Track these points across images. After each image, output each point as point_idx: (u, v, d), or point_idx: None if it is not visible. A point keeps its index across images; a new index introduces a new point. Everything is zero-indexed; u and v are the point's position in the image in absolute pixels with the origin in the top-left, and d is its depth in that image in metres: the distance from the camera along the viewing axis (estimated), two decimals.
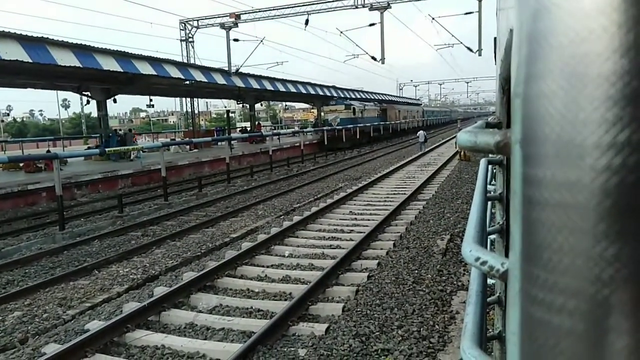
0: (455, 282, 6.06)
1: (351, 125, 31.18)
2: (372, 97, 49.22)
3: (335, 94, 38.82)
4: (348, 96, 41.28)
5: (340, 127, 30.65)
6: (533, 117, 0.28)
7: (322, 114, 37.82)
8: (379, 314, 5.10)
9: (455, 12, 28.38)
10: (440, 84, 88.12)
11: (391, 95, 62.84)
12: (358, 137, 32.12)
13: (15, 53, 13.52)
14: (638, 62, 0.23)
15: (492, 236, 1.94)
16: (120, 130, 29.52)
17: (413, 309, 5.22)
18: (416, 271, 6.42)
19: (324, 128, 30.57)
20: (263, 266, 6.97)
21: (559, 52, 0.26)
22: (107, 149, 14.49)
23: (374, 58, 27.17)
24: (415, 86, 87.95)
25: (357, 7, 26.40)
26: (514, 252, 0.33)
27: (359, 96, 44.71)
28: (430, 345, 4.45)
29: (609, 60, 0.24)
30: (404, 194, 12.02)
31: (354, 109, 34.15)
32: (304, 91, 33.30)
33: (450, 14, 28.10)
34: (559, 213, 0.27)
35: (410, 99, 75.69)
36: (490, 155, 1.80)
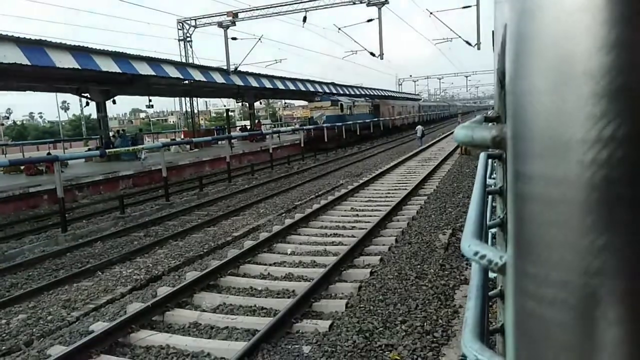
0: (458, 277, 6.07)
1: (338, 124, 28.70)
2: (370, 93, 48.94)
3: (334, 91, 38.78)
4: (347, 92, 40.86)
5: (326, 125, 27.67)
6: (522, 114, 0.29)
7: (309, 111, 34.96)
8: (382, 310, 5.11)
9: (453, 6, 28.27)
10: (440, 79, 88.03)
11: (389, 91, 62.61)
12: (344, 136, 29.54)
13: (14, 56, 13.53)
14: (621, 59, 0.24)
15: (493, 230, 1.94)
16: (122, 130, 29.57)
17: (416, 304, 5.23)
18: (419, 266, 6.42)
19: (302, 127, 27.74)
20: (265, 264, 6.98)
21: (545, 50, 0.27)
22: (107, 150, 14.50)
23: (372, 54, 27.12)
24: (415, 81, 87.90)
25: (354, 3, 26.34)
26: (510, 246, 0.33)
27: (357, 92, 44.51)
28: (434, 339, 4.46)
29: (593, 58, 0.24)
30: (405, 189, 12.02)
31: (341, 105, 31.13)
32: (302, 88, 33.31)
33: (448, 8, 27.87)
34: (548, 208, 0.28)
35: (408, 94, 75.50)
36: (489, 149, 1.80)
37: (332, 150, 27.13)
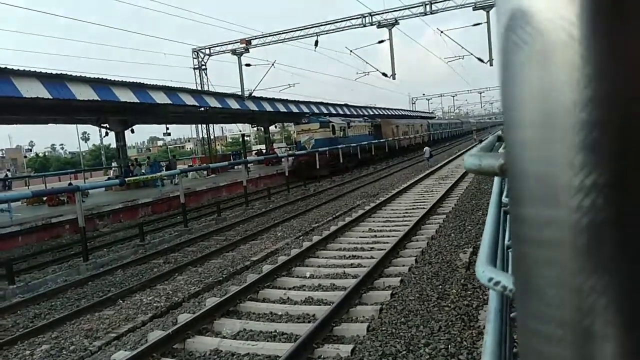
0: (481, 296, 5.93)
1: (327, 148, 25.11)
2: (379, 113, 48.52)
3: (348, 112, 39.04)
4: (359, 113, 40.64)
5: (308, 151, 24.63)
6: (516, 162, 0.31)
7: (295, 135, 31.44)
8: (404, 332, 5.02)
9: (463, 24, 28.42)
10: (453, 96, 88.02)
11: (402, 110, 62.61)
12: (342, 160, 26.69)
13: (36, 90, 13.99)
14: (596, 115, 0.26)
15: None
16: (136, 159, 30.35)
17: (439, 325, 5.12)
18: (440, 286, 6.31)
19: (275, 156, 25.55)
20: (285, 288, 6.94)
21: (531, 106, 0.29)
22: (126, 179, 14.75)
23: (384, 74, 27.30)
24: (428, 99, 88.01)
25: (365, 26, 26.69)
26: (514, 283, 0.34)
27: (368, 113, 44.38)
28: None
29: (572, 114, 0.27)
30: (423, 208, 11.92)
31: (333, 126, 27.76)
32: (316, 111, 33.58)
33: (458, 27, 27.96)
34: (542, 249, 0.29)
35: (421, 112, 75.41)
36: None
37: (325, 177, 24.21)
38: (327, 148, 24.98)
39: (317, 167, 23.43)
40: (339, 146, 26.70)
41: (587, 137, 0.26)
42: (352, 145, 28.69)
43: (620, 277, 0.27)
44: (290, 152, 28.09)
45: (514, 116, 0.31)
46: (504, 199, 1.95)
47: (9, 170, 45.90)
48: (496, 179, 1.85)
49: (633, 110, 0.26)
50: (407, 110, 67.40)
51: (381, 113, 48.42)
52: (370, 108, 47.96)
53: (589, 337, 0.27)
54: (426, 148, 26.29)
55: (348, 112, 39.13)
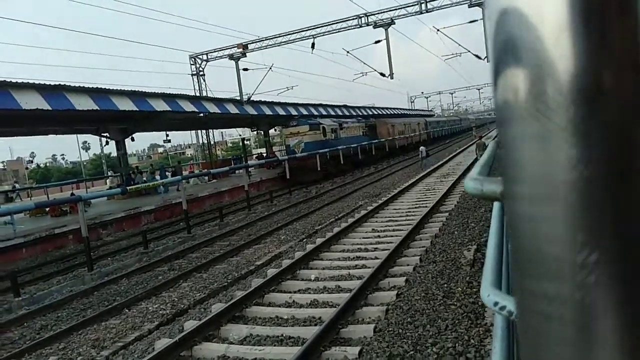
0: None
1: (319, 151, 24.38)
2: (384, 113, 48.68)
3: (347, 113, 39.05)
4: (354, 114, 40.48)
5: (302, 154, 24.04)
6: (515, 217, 0.32)
7: (284, 138, 30.13)
8: (411, 332, 5.01)
9: (459, 22, 28.39)
10: (452, 93, 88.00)
11: (400, 109, 62.58)
12: (337, 162, 25.97)
13: (35, 102, 14.03)
14: (584, 175, 0.27)
15: None
16: (136, 167, 30.57)
17: (446, 324, 5.11)
18: (445, 285, 6.30)
19: (275, 159, 24.74)
20: (290, 292, 6.93)
21: (528, 169, 0.30)
22: (128, 187, 14.77)
23: (382, 74, 27.34)
24: (427, 97, 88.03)
25: (361, 26, 26.76)
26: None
27: (368, 113, 44.43)
28: None
29: (565, 170, 0.27)
30: (426, 206, 11.91)
31: (323, 129, 26.98)
32: (315, 113, 33.61)
33: (455, 24, 27.97)
34: (546, 322, 0.30)
35: (420, 110, 75.38)
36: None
37: (316, 182, 23.41)
38: (317, 151, 24.13)
39: (305, 171, 22.48)
40: (332, 149, 25.88)
41: (579, 199, 0.27)
42: (345, 147, 27.66)
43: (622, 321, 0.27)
44: (282, 156, 27.27)
45: (511, 172, 0.32)
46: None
47: (16, 182, 47.01)
48: (495, 207, 1.83)
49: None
50: (405, 109, 67.23)
51: (381, 113, 48.28)
52: (370, 108, 47.97)
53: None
54: (422, 148, 25.38)
55: (347, 113, 39.13)
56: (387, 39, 26.27)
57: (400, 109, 63.51)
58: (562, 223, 0.28)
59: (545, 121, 0.28)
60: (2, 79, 13.57)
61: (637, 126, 0.27)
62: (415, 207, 12.42)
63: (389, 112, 51.80)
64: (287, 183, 22.29)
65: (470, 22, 26.17)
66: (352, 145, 28.99)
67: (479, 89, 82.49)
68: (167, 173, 27.52)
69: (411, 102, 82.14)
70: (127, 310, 7.25)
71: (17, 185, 39.91)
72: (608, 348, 0.27)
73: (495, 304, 0.63)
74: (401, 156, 35.95)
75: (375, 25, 26.28)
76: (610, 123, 0.27)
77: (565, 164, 0.27)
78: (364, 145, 30.79)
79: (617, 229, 0.27)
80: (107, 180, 37.47)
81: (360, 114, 41.83)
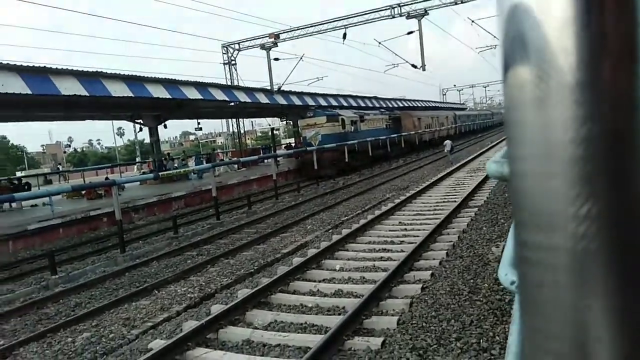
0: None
1: (336, 144, 22.87)
2: (413, 105, 47.90)
3: (376, 104, 38.72)
4: (384, 105, 39.87)
5: (317, 147, 22.37)
6: (520, 192, 0.34)
7: (299, 130, 28.16)
8: (435, 326, 4.99)
9: (494, 13, 27.57)
10: (485, 87, 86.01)
11: (432, 102, 61.57)
12: (346, 159, 23.61)
13: (74, 88, 14.48)
14: (590, 151, 0.29)
15: None
16: (168, 154, 31.33)
17: (471, 319, 5.06)
18: (472, 280, 6.23)
19: (303, 149, 22.69)
20: (315, 281, 6.99)
21: (533, 138, 0.32)
22: (160, 173, 15.12)
23: (414, 66, 26.96)
24: (459, 90, 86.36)
25: (394, 17, 26.39)
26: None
27: (398, 105, 43.93)
28: (492, 357, 4.30)
29: (568, 148, 0.30)
30: (454, 201, 11.75)
31: (342, 120, 25.51)
32: (345, 104, 33.49)
33: (489, 15, 27.28)
34: (543, 271, 0.32)
35: (452, 103, 74.00)
36: None
37: (330, 178, 22.01)
38: (335, 144, 22.78)
39: (315, 167, 20.91)
40: (350, 142, 24.18)
41: (582, 169, 0.30)
42: (366, 140, 26.04)
43: (615, 299, 0.30)
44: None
45: (517, 148, 0.33)
46: None
47: (60, 164, 49.58)
48: None
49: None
50: (436, 102, 66.02)
51: (409, 105, 47.57)
52: (400, 100, 47.42)
53: (585, 349, 0.30)
54: (447, 141, 24.42)
55: (377, 105, 38.79)
56: (420, 30, 25.85)
57: (431, 101, 62.22)
58: (558, 178, 0.30)
59: (548, 88, 0.30)
60: (43, 65, 14.06)
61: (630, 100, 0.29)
62: (444, 202, 12.28)
63: (417, 105, 50.97)
64: (294, 176, 21.96)
65: None
66: (372, 139, 27.25)
67: None
68: (201, 159, 28.14)
69: (443, 95, 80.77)
70: (156, 292, 7.47)
71: (60, 167, 41.86)
72: (599, 291, 0.30)
73: (512, 282, 0.64)
74: (430, 150, 35.15)
75: (409, 16, 25.87)
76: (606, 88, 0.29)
77: (563, 125, 0.30)
78: (385, 139, 29.20)
79: (607, 183, 0.29)
80: (135, 167, 38.68)
81: (390, 106, 41.38)
